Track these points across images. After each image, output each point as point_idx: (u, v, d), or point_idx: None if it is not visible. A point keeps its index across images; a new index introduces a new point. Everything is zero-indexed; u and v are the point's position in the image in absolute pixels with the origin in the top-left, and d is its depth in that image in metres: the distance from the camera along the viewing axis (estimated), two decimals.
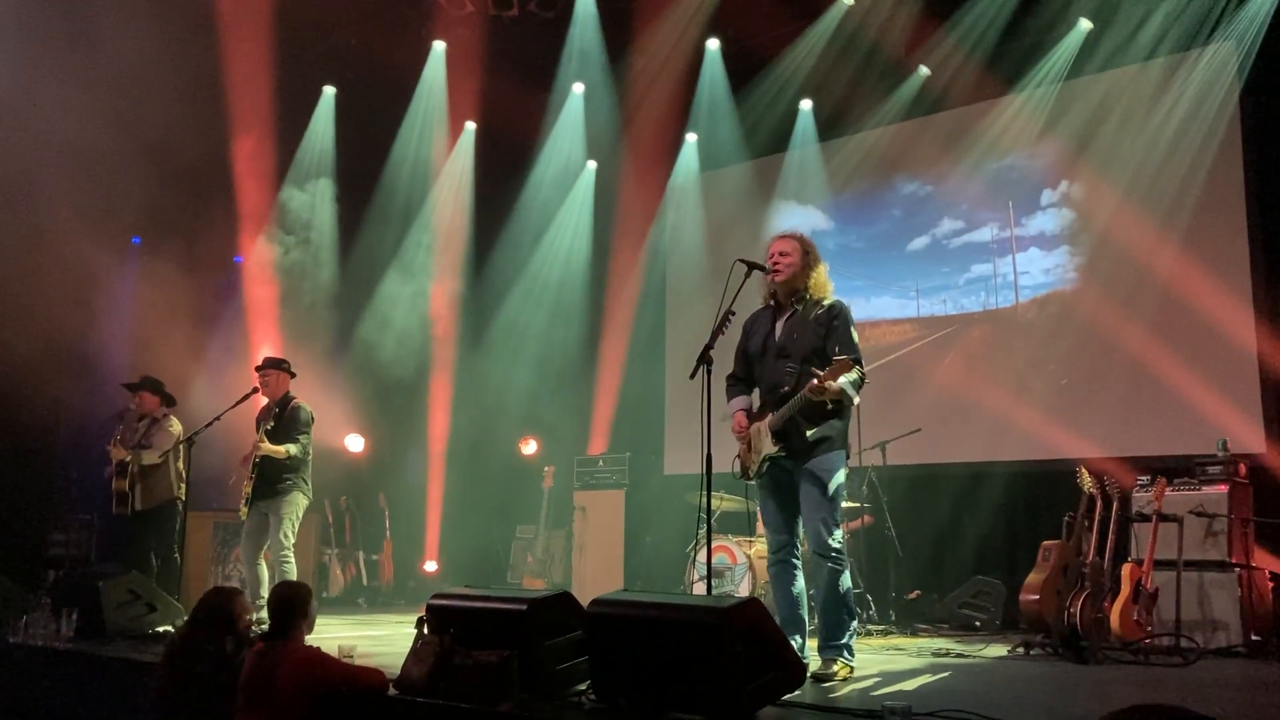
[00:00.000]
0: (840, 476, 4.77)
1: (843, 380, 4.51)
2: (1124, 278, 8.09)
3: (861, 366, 4.71)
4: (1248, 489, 6.54)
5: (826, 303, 4.86)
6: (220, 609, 4.22)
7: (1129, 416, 7.93)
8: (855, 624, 4.84)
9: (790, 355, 4.81)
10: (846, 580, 4.74)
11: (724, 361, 5.15)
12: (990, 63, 8.86)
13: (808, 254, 4.93)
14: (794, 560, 4.85)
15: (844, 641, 4.69)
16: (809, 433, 4.70)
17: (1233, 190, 7.71)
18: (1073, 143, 8.53)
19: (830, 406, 4.68)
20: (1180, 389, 7.64)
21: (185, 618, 4.29)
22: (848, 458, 4.90)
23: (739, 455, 4.92)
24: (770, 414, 4.82)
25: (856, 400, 4.73)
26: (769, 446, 4.78)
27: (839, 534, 4.72)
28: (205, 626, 4.18)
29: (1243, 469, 6.59)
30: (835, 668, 4.58)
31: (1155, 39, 8.10)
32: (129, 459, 7.38)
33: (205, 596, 4.33)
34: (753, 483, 4.99)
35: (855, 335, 4.84)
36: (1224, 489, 6.35)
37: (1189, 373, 7.62)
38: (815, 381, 4.50)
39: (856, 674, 4.77)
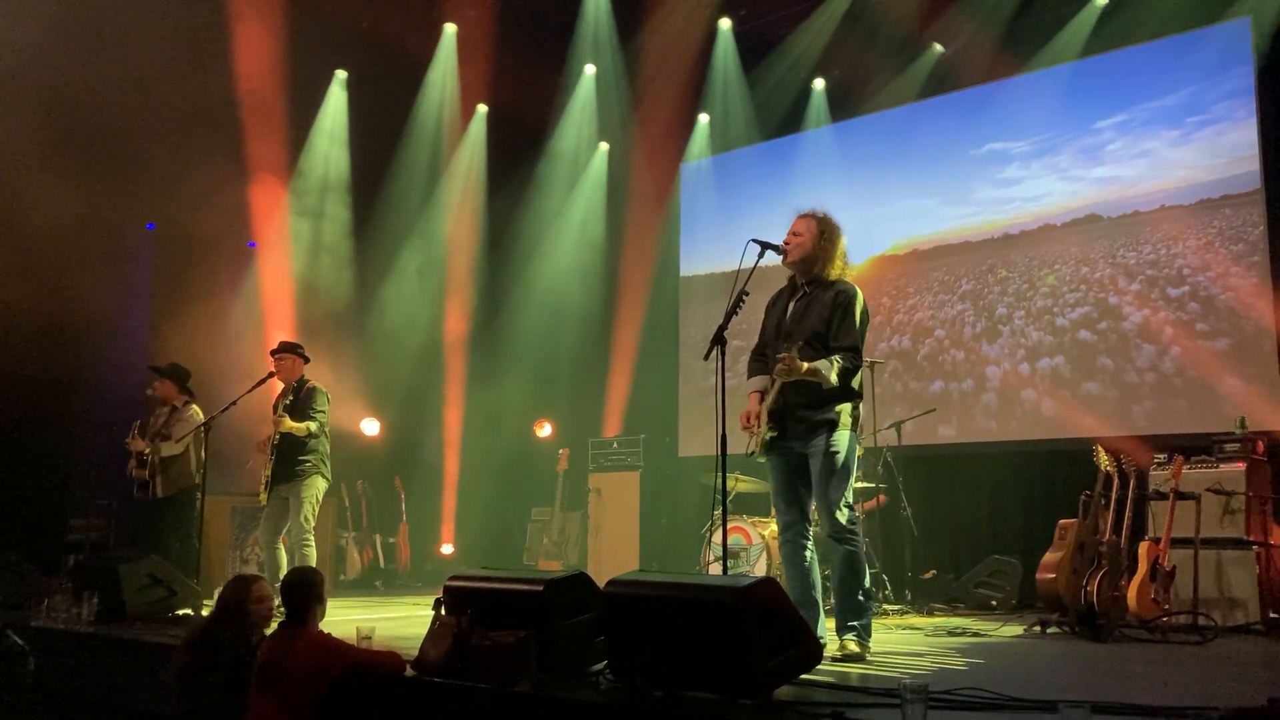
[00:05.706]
0: (849, 456, 4.73)
1: (818, 364, 4.50)
2: (1141, 255, 8.04)
3: (855, 355, 4.68)
4: (1266, 467, 6.50)
5: (839, 286, 4.82)
6: (234, 599, 4.23)
7: (1146, 394, 7.89)
8: (872, 604, 4.83)
9: (792, 337, 4.77)
10: (861, 560, 4.73)
11: (737, 343, 5.13)
12: (1004, 40, 8.80)
13: (823, 234, 4.87)
14: (803, 540, 4.81)
15: (863, 622, 4.68)
16: (805, 415, 4.68)
17: (1251, 165, 7.65)
18: (1088, 120, 8.46)
19: (828, 388, 4.63)
20: (1198, 366, 7.61)
21: (205, 603, 4.30)
22: (856, 436, 4.86)
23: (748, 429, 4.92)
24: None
25: (835, 383, 4.64)
26: (765, 429, 4.78)
27: (851, 514, 4.70)
28: (223, 617, 4.20)
29: (1261, 447, 6.55)
30: (854, 648, 4.59)
31: (1171, 14, 8.03)
32: (148, 451, 7.45)
33: (224, 587, 4.33)
34: (763, 461, 4.98)
35: (859, 321, 4.77)
36: (1242, 466, 6.32)
37: (1207, 350, 7.58)
38: (779, 364, 4.49)
39: (873, 653, 4.78)
